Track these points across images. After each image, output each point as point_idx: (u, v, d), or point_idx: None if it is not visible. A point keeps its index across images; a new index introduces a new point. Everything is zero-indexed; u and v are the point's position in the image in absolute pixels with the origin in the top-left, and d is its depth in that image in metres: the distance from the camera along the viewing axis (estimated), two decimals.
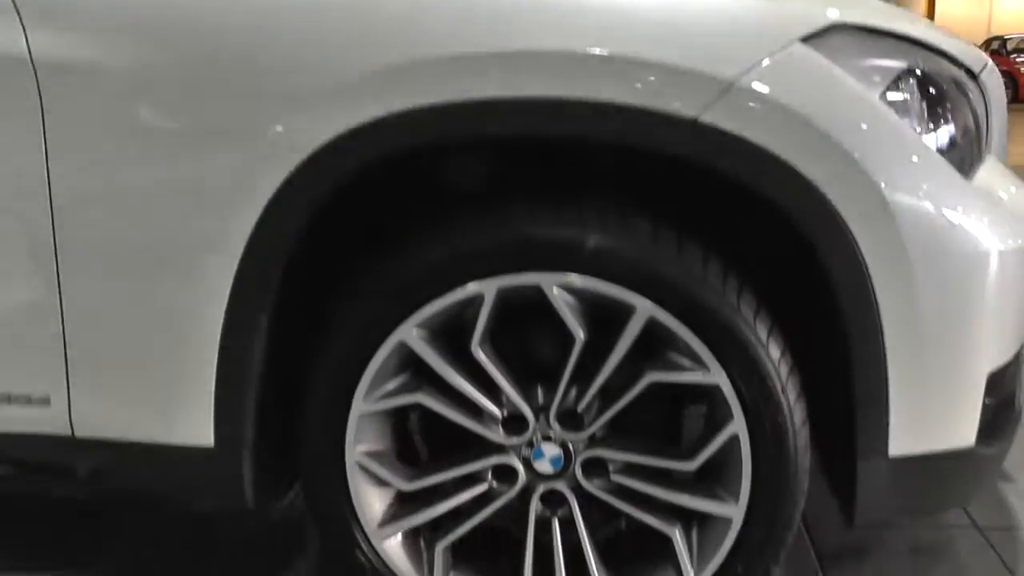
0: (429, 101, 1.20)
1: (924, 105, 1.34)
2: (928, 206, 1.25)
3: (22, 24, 1.29)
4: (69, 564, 1.82)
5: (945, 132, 1.36)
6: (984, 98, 1.58)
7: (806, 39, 1.25)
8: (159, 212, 1.30)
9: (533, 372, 1.40)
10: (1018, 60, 17.09)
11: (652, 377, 1.30)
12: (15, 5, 1.29)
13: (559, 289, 1.27)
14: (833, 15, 1.32)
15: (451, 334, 1.36)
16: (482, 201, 1.32)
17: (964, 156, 1.38)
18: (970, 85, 1.51)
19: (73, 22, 1.30)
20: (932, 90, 1.37)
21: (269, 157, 1.25)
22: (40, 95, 1.28)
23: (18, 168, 1.32)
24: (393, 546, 1.44)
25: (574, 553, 1.43)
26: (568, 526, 1.42)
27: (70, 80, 1.29)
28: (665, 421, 1.46)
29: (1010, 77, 16.10)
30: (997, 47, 18.26)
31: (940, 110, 1.38)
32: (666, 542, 1.40)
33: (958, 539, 1.89)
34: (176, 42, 1.28)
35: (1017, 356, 1.53)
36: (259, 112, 1.26)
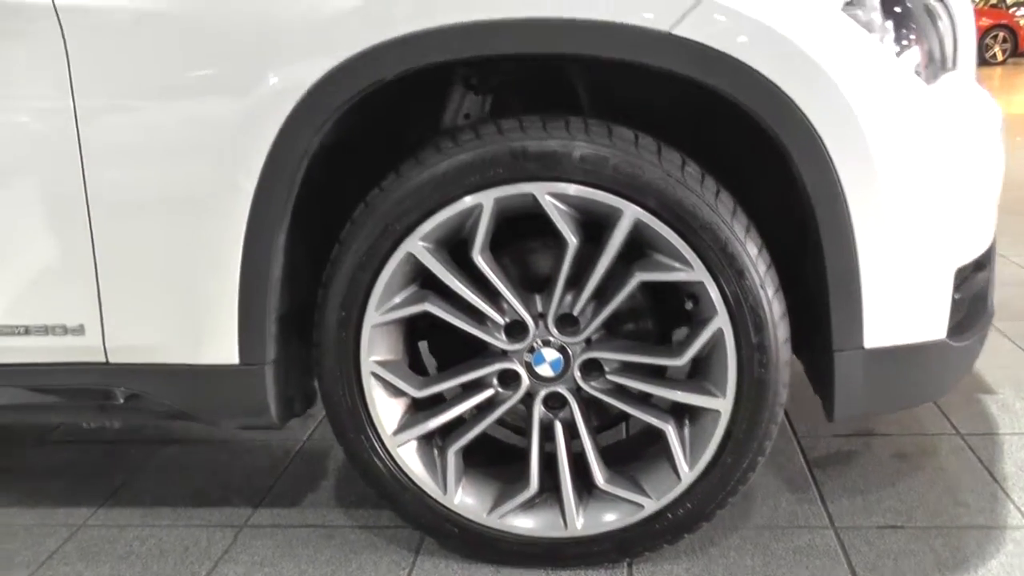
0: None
1: (884, 16, 1.42)
2: (889, 106, 1.34)
3: None
4: (106, 499, 1.95)
5: (906, 41, 1.45)
6: (950, 15, 1.66)
7: None
8: (181, 142, 1.40)
9: (532, 287, 1.51)
10: (1018, 14, 16.99)
11: (641, 276, 1.40)
12: None
13: (551, 197, 1.37)
14: None
15: (454, 252, 1.47)
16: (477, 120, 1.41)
17: (926, 64, 1.47)
18: (935, 4, 1.60)
19: None
20: (896, 8, 1.46)
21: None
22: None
23: (47, 107, 1.43)
24: (408, 452, 1.55)
25: (576, 460, 1.54)
26: (570, 431, 1.53)
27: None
28: (658, 329, 1.57)
29: (1010, 31, 16.04)
30: (997, 1, 18.15)
31: (903, 22, 1.47)
32: (663, 445, 1.50)
33: (940, 445, 1.99)
34: None
35: (988, 256, 1.63)
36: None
